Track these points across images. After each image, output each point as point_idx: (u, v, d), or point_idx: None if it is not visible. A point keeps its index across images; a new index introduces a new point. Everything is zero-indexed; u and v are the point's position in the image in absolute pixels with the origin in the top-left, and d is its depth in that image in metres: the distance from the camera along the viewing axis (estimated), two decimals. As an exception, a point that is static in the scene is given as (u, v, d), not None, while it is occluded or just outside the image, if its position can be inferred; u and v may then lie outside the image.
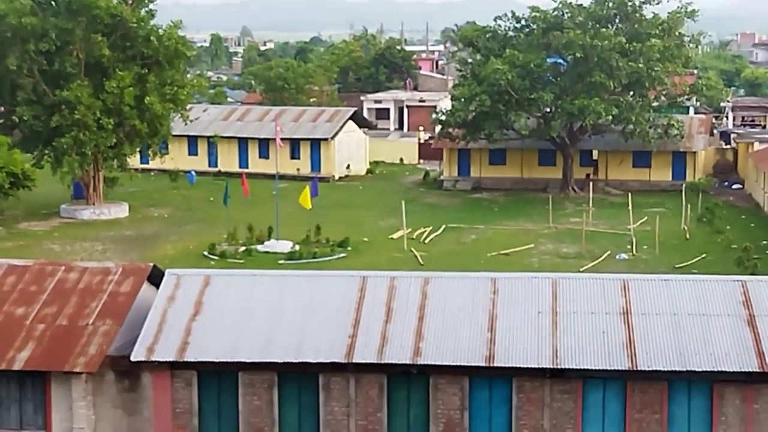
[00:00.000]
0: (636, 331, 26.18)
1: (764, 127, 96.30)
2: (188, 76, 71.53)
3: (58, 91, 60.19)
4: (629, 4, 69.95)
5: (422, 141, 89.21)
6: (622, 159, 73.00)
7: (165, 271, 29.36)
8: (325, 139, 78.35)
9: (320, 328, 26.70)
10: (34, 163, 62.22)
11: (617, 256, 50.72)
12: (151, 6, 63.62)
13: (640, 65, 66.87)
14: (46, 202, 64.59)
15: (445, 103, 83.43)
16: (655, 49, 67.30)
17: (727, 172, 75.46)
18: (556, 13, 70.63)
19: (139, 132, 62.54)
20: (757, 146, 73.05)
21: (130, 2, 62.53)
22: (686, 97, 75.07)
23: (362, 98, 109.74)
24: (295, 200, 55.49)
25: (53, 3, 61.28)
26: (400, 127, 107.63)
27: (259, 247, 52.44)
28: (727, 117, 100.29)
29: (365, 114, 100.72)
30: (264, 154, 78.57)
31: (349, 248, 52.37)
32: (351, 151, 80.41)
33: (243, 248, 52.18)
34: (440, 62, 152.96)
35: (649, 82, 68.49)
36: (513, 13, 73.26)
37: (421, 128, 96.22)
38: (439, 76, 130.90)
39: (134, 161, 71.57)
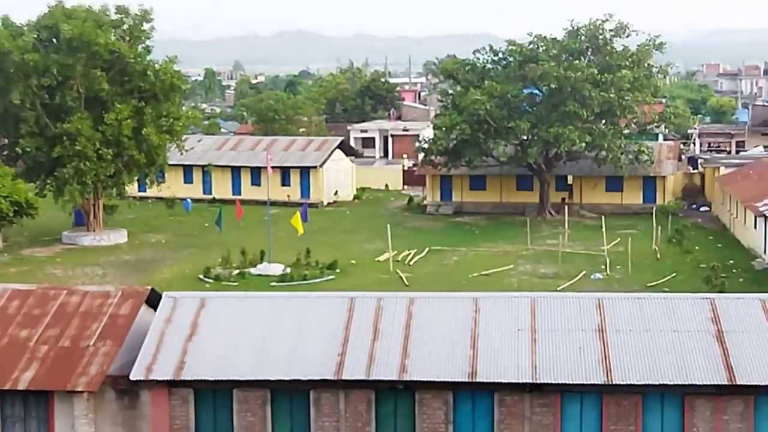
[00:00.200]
0: (611, 347, 26.21)
1: (729, 152, 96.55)
2: (183, 108, 71.24)
3: (59, 123, 60.10)
4: (600, 37, 70.18)
5: (406, 168, 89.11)
6: (595, 183, 73.11)
7: (162, 294, 29.31)
8: (314, 167, 78.27)
9: (311, 347, 26.67)
10: (37, 192, 61.98)
11: (592, 276, 50.72)
12: (147, 42, 63.56)
13: (612, 95, 67.11)
14: (49, 229, 64.30)
15: (428, 132, 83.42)
16: (626, 80, 67.57)
17: (695, 195, 75.62)
18: (531, 46, 70.79)
19: (137, 162, 62.46)
20: (722, 171, 73.13)
21: (128, 39, 62.44)
22: (655, 124, 75.42)
23: (349, 128, 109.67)
24: (286, 225, 55.48)
25: (54, 40, 61.11)
26: (385, 155, 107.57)
27: (252, 270, 52.25)
28: (694, 143, 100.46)
29: (352, 143, 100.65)
30: (256, 182, 78.40)
31: (338, 270, 52.22)
32: (339, 178, 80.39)
33: (237, 271, 51.96)
34: (422, 93, 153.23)
35: (620, 110, 68.69)
36: (491, 47, 73.48)
37: (405, 156, 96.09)
38: (422, 106, 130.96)
39: (132, 189, 71.21)
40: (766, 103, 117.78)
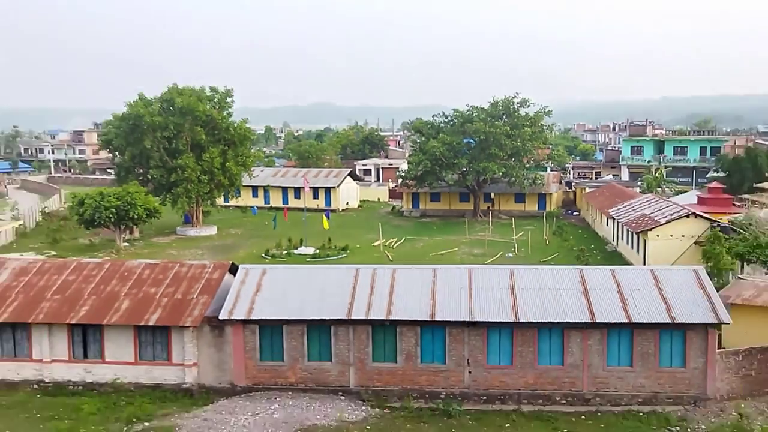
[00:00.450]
0: (518, 299, 26.24)
1: (591, 178, 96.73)
2: (252, 150, 71.17)
3: (174, 160, 60.21)
4: (511, 107, 70.32)
5: (391, 188, 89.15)
6: (508, 198, 73.18)
7: (239, 265, 29.23)
8: (334, 187, 78.17)
9: (331, 299, 26.62)
10: (161, 202, 61.76)
11: (506, 255, 50.74)
12: (229, 110, 63.63)
13: (518, 143, 67.24)
14: (168, 225, 64.13)
15: (404, 166, 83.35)
16: (527, 134, 67.66)
17: (570, 205, 75.64)
18: (468, 112, 70.89)
19: (222, 184, 62.44)
20: (587, 190, 73.43)
21: (217, 107, 62.44)
22: (545, 161, 75.67)
23: (355, 163, 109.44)
24: (317, 223, 55.35)
25: (171, 108, 61.15)
26: (378, 179, 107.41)
27: (295, 251, 52.15)
28: (569, 173, 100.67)
29: (357, 172, 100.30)
30: (297, 196, 78.19)
31: (348, 251, 52.17)
32: (349, 194, 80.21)
33: (285, 252, 51.90)
34: (401, 141, 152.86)
35: (524, 153, 68.74)
36: (443, 113, 73.53)
37: (390, 180, 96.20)
38: (400, 150, 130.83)
39: (220, 201, 71.27)
40: (613, 149, 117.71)
